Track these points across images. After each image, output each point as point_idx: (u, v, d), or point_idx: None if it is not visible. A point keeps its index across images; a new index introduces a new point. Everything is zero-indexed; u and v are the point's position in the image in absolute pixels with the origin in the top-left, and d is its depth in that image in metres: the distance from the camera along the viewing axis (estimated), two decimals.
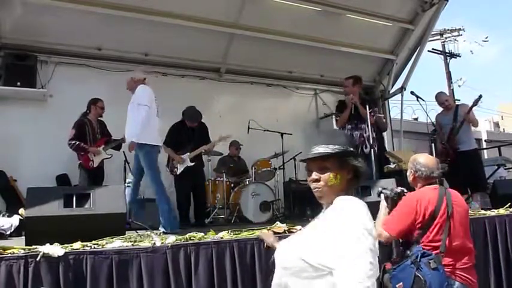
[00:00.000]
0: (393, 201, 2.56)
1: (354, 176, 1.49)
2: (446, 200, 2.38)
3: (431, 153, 5.16)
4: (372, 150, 4.82)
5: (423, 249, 2.30)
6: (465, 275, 2.32)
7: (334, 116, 5.32)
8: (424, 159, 2.53)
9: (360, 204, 1.42)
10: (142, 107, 4.08)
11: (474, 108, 5.43)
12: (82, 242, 2.55)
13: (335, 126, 5.50)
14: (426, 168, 2.47)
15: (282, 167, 6.41)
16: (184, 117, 5.47)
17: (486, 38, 21.79)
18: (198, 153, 5.36)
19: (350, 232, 1.32)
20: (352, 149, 1.50)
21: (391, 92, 8.03)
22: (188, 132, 5.41)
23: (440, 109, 5.78)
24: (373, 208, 2.38)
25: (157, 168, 4.22)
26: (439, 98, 5.68)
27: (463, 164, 5.30)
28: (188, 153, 5.29)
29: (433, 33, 11.10)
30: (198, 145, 5.37)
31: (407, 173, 2.63)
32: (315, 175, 1.49)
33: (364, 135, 4.95)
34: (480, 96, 5.50)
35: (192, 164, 5.28)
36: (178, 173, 5.27)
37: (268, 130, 6.42)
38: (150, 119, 4.12)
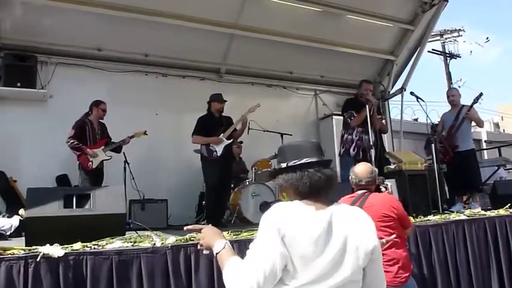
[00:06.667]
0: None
1: (297, 190, 1.44)
2: (359, 205, 2.59)
3: (430, 153, 5.19)
4: (372, 151, 4.82)
5: None
6: None
7: (346, 116, 5.24)
8: (357, 169, 2.89)
9: (276, 206, 1.40)
10: None
11: (475, 107, 5.45)
12: (82, 242, 2.55)
13: (334, 127, 5.44)
14: (355, 176, 2.85)
15: None
16: (212, 99, 5.29)
17: (487, 38, 21.84)
18: (231, 130, 5.19)
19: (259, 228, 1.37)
20: (281, 167, 1.49)
21: (391, 92, 8.02)
22: (216, 121, 5.24)
23: (442, 110, 5.86)
24: None
25: None
26: (447, 92, 5.79)
27: (460, 165, 5.32)
28: (222, 134, 5.13)
29: (433, 33, 11.10)
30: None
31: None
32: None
33: (371, 139, 4.93)
34: (481, 94, 5.57)
35: (230, 141, 5.17)
36: (219, 154, 5.04)
37: (268, 131, 6.41)
38: None
